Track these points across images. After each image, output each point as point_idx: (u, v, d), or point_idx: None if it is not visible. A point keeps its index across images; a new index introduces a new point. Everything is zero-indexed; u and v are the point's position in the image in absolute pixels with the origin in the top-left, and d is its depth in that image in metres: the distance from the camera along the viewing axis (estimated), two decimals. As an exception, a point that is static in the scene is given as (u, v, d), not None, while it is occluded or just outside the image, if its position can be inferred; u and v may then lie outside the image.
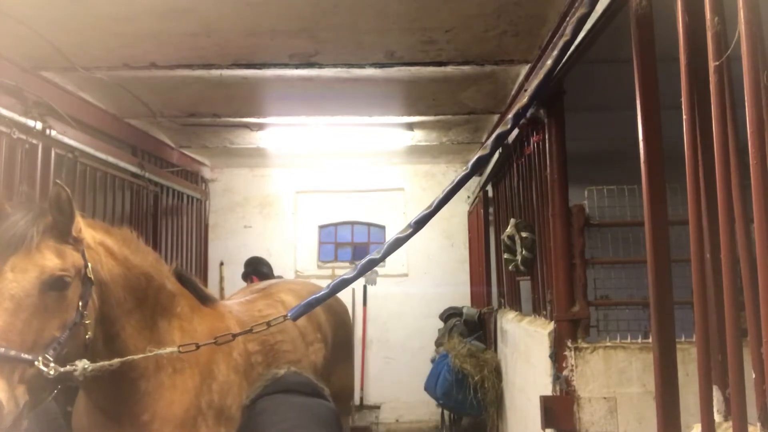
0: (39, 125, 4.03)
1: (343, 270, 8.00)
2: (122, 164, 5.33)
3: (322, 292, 2.77)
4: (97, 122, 5.06)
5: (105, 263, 2.54)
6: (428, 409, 7.32)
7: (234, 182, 8.25)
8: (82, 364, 2.32)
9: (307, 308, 2.77)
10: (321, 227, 8.30)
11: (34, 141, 4.07)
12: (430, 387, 5.92)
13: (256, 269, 6.64)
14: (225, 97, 5.03)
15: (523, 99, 2.34)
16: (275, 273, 6.90)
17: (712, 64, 1.70)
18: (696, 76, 1.86)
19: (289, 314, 2.78)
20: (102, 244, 2.57)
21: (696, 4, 1.82)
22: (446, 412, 6.74)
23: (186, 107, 5.32)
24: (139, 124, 5.72)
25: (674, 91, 1.99)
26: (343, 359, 4.48)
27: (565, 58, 2.94)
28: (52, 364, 2.17)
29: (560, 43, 2.39)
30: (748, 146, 1.52)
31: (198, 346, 2.67)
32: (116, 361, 2.45)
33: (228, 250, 7.99)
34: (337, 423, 2.55)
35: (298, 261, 8.16)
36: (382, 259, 2.76)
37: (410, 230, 2.68)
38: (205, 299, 3.20)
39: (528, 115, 4.14)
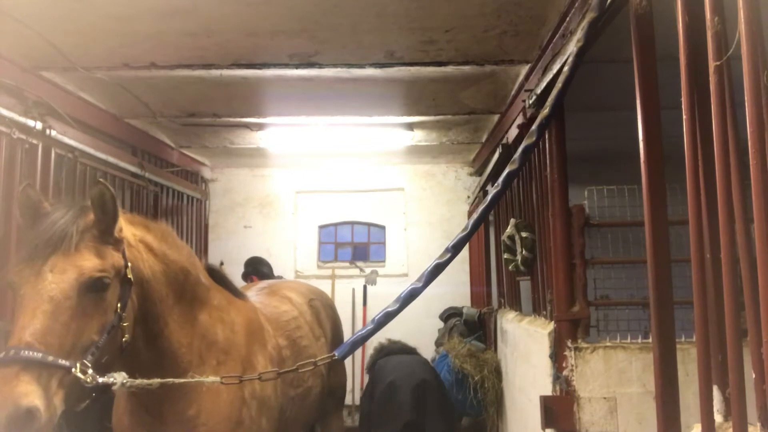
0: (39, 125, 4.03)
1: (344, 270, 8.05)
2: (122, 164, 5.33)
3: (368, 328, 2.64)
4: (97, 122, 5.06)
5: (146, 260, 2.48)
6: (428, 409, 7.31)
7: (234, 182, 8.25)
8: (121, 378, 2.25)
9: (354, 347, 2.65)
10: (321, 227, 8.30)
11: (34, 141, 4.08)
12: (430, 387, 5.91)
13: (256, 269, 6.65)
14: (225, 97, 5.03)
15: (545, 110, 2.32)
16: (275, 273, 6.90)
17: (712, 64, 1.70)
18: (696, 76, 1.86)
19: (336, 353, 2.67)
20: (142, 241, 2.52)
21: (696, 4, 1.82)
22: (446, 412, 6.73)
23: (186, 107, 5.32)
24: (139, 124, 5.72)
25: (674, 91, 1.99)
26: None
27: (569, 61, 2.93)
28: (90, 371, 2.08)
29: (575, 50, 2.37)
30: (748, 146, 1.52)
31: (241, 380, 2.58)
32: (156, 381, 2.37)
33: (228, 250, 7.99)
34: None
35: (298, 261, 8.16)
36: (425, 287, 2.62)
37: (449, 255, 2.58)
38: (237, 293, 3.23)
39: (528, 115, 4.15)
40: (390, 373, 4.85)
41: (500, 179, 2.56)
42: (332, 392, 4.20)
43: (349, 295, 7.90)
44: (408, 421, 4.53)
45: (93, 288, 2.16)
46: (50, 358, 1.98)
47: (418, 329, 7.64)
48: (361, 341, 2.66)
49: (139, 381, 2.32)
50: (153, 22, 3.54)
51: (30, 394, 1.90)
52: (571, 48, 3.20)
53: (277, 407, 3.06)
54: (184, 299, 2.67)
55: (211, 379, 2.51)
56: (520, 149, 2.47)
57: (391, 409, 4.62)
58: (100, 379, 2.15)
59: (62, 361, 2.01)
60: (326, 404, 4.10)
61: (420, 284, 2.60)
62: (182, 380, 2.51)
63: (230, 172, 8.24)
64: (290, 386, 3.27)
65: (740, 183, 1.63)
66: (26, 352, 1.94)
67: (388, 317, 2.62)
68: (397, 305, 2.62)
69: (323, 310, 4.32)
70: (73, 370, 2.03)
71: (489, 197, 2.59)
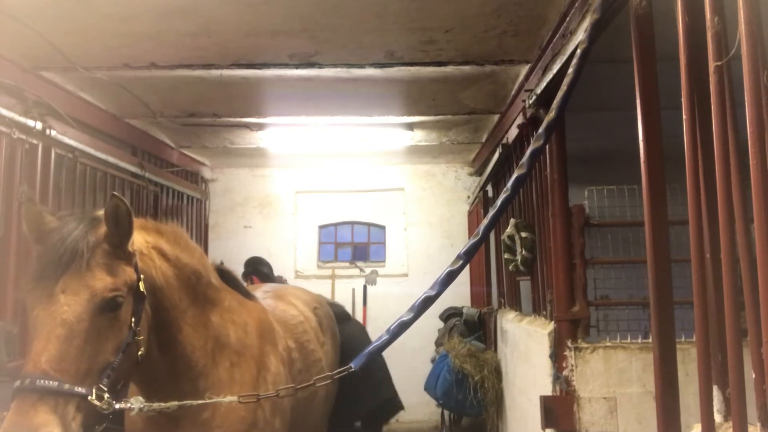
0: (39, 125, 4.03)
1: (344, 270, 8.05)
2: (122, 164, 5.33)
3: (384, 338, 2.57)
4: (97, 122, 5.05)
5: (158, 267, 2.44)
6: (428, 409, 7.31)
7: (234, 182, 8.25)
8: (138, 404, 2.23)
9: (370, 357, 2.62)
10: (321, 227, 8.30)
11: (34, 141, 4.07)
12: (430, 387, 5.92)
13: (256, 269, 6.64)
14: (225, 97, 5.02)
15: (551, 113, 2.30)
16: (275, 273, 6.90)
17: (712, 64, 1.70)
18: (696, 76, 1.86)
19: (353, 365, 2.63)
20: (155, 248, 2.47)
21: (696, 4, 1.82)
22: (446, 412, 6.73)
23: (186, 107, 5.32)
24: (139, 124, 5.72)
25: (674, 91, 1.99)
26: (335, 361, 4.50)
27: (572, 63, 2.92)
28: (106, 396, 2.05)
29: (579, 52, 2.35)
30: (748, 146, 1.52)
31: (258, 398, 2.55)
32: (173, 404, 2.36)
33: (228, 250, 7.98)
34: None
35: (298, 261, 8.16)
36: (438, 295, 2.54)
37: (461, 262, 2.51)
38: (247, 294, 3.22)
39: (528, 115, 4.15)
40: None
41: (509, 184, 2.52)
42: (324, 398, 4.21)
43: (349, 295, 7.89)
44: None
45: (107, 308, 2.11)
46: (66, 386, 1.95)
47: (418, 329, 7.58)
48: (377, 352, 2.61)
49: (156, 405, 2.31)
50: (153, 22, 3.54)
51: (48, 423, 1.89)
52: (572, 48, 3.21)
53: (288, 409, 3.07)
54: (196, 302, 2.65)
55: (229, 399, 2.47)
56: (527, 153, 2.44)
57: None
58: (117, 405, 2.11)
59: (78, 389, 1.98)
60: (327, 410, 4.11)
61: (433, 292, 2.54)
62: (200, 401, 2.47)
63: (230, 172, 8.24)
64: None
65: (740, 183, 1.63)
66: (42, 381, 1.92)
67: (403, 327, 2.57)
68: (412, 314, 2.56)
69: (325, 319, 4.34)
70: (90, 397, 2.00)
71: (499, 202, 2.54)
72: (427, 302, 2.55)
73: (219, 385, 2.66)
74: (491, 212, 2.58)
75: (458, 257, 2.52)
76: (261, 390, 2.79)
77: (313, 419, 3.75)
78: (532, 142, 2.42)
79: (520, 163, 2.48)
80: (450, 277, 2.53)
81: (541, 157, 4.08)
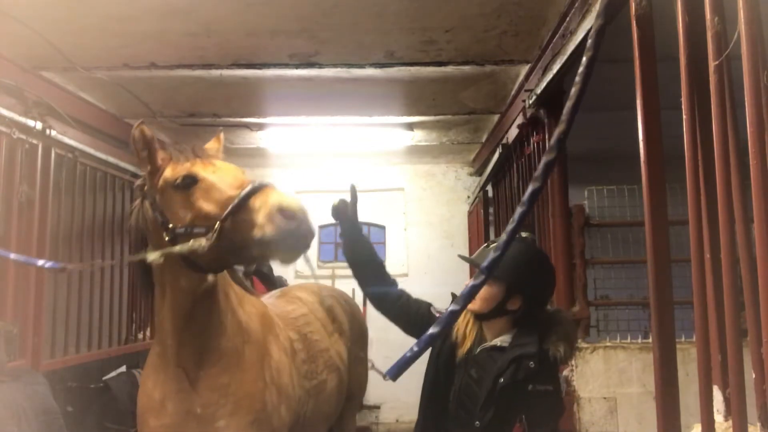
0: (39, 125, 4.02)
1: (344, 270, 8.01)
2: (122, 164, 5.32)
3: (415, 350, 2.59)
4: (97, 122, 5.05)
5: None
6: (428, 409, 7.32)
7: (234, 182, 8.23)
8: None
9: (405, 365, 2.61)
10: (321, 227, 8.29)
11: (34, 141, 4.07)
12: (430, 387, 5.90)
13: (256, 269, 6.63)
14: (225, 97, 5.02)
15: (561, 126, 2.30)
16: (275, 273, 6.89)
17: (712, 64, 1.70)
18: (696, 76, 1.86)
19: (389, 375, 2.66)
20: None
21: (696, 4, 1.82)
22: (446, 412, 6.73)
23: (186, 107, 5.32)
24: (139, 124, 5.72)
25: (674, 91, 1.99)
26: (358, 351, 4.46)
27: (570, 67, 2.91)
28: None
29: (585, 60, 2.33)
30: (748, 146, 1.52)
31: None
32: None
33: (228, 250, 7.97)
34: None
35: (298, 261, 8.14)
36: (463, 308, 2.55)
37: (482, 276, 2.49)
38: (248, 289, 3.27)
39: (528, 115, 4.15)
40: None
41: (525, 198, 2.47)
42: (351, 395, 4.19)
43: (349, 295, 7.89)
44: None
45: None
46: None
47: (418, 329, 7.63)
48: (411, 360, 2.63)
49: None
50: (153, 22, 3.54)
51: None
52: (572, 48, 3.21)
53: (295, 398, 3.07)
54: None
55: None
56: (541, 166, 2.38)
57: None
58: None
59: None
60: (344, 405, 4.08)
61: (458, 306, 2.49)
62: None
63: (230, 172, 8.21)
64: (305, 378, 3.30)
65: (740, 183, 1.63)
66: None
67: (431, 338, 2.52)
68: (439, 327, 2.53)
69: (338, 305, 4.27)
70: None
71: (517, 215, 2.48)
72: (453, 316, 2.51)
73: (237, 354, 2.71)
74: (510, 226, 2.51)
75: (480, 272, 2.47)
76: (267, 374, 2.83)
77: (324, 415, 3.74)
78: (544, 155, 2.39)
79: (534, 176, 2.44)
80: (473, 291, 2.48)
81: (540, 156, 4.08)
